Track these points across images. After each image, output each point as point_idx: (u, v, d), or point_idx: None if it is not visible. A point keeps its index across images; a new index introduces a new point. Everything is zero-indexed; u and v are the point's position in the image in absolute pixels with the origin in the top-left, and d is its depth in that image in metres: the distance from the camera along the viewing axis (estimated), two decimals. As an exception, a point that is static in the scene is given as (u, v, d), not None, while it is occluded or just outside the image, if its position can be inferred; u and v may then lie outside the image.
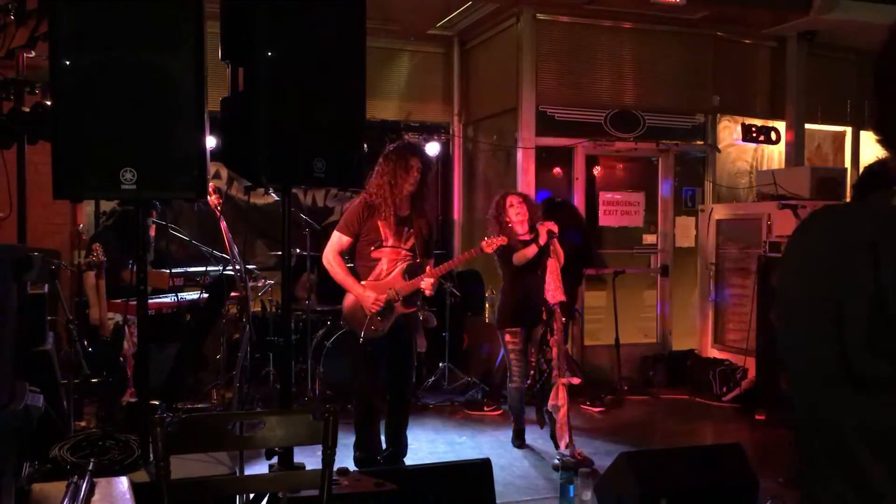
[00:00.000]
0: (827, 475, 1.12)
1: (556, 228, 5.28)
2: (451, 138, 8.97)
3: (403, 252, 4.68)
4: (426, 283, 4.67)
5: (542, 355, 5.34)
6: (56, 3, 2.79)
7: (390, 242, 4.64)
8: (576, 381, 5.17)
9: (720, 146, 8.58)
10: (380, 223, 4.61)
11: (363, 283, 4.66)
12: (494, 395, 6.83)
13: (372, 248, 4.65)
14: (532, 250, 5.33)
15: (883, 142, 1.17)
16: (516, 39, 7.84)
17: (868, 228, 1.09)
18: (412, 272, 4.70)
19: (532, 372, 5.53)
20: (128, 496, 2.09)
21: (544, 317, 5.33)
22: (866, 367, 1.03)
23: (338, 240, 4.67)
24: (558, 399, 5.13)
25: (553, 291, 5.20)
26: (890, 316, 1.00)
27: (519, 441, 5.74)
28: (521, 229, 5.53)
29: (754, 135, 8.75)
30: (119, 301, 5.26)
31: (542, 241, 5.30)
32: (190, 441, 2.38)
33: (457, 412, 6.80)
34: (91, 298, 5.29)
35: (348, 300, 4.71)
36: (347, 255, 4.75)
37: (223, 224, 4.60)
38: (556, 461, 5.17)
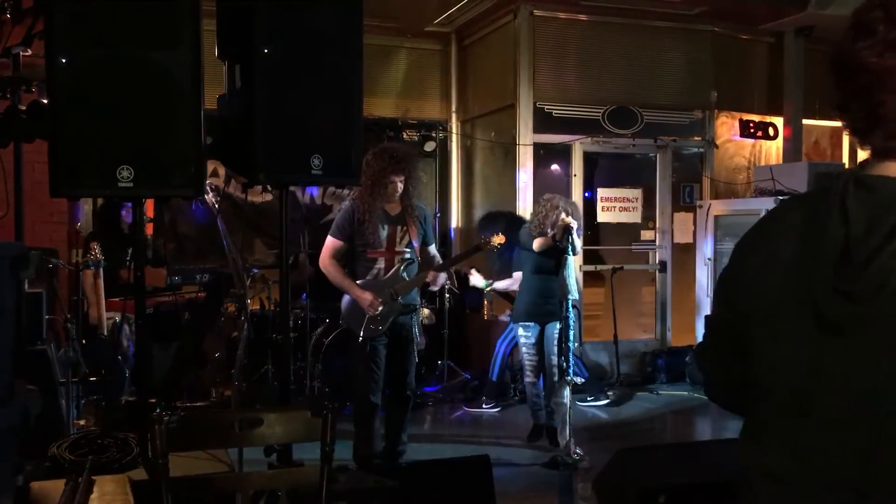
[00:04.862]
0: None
1: (573, 225, 5.31)
2: (448, 135, 8.96)
3: (399, 251, 4.68)
4: (431, 277, 4.68)
5: (561, 353, 5.37)
6: (52, 0, 2.78)
7: (385, 245, 4.64)
8: (580, 380, 5.22)
9: (718, 142, 8.58)
10: (371, 227, 4.59)
11: (360, 282, 4.65)
12: (493, 392, 6.83)
13: (367, 250, 4.65)
14: (546, 241, 5.41)
15: (846, 126, 1.22)
16: (514, 36, 7.83)
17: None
18: (410, 270, 4.70)
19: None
20: (127, 494, 2.09)
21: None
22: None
23: (332, 244, 4.66)
24: (562, 397, 5.15)
25: (564, 288, 5.24)
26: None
27: (534, 437, 5.68)
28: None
29: (752, 130, 8.75)
30: (117, 299, 5.25)
31: (558, 236, 5.33)
32: (189, 439, 2.38)
33: (456, 409, 6.81)
34: (89, 297, 5.29)
35: (346, 299, 4.71)
36: (345, 256, 4.73)
37: (220, 222, 4.59)
38: (555, 458, 5.18)
